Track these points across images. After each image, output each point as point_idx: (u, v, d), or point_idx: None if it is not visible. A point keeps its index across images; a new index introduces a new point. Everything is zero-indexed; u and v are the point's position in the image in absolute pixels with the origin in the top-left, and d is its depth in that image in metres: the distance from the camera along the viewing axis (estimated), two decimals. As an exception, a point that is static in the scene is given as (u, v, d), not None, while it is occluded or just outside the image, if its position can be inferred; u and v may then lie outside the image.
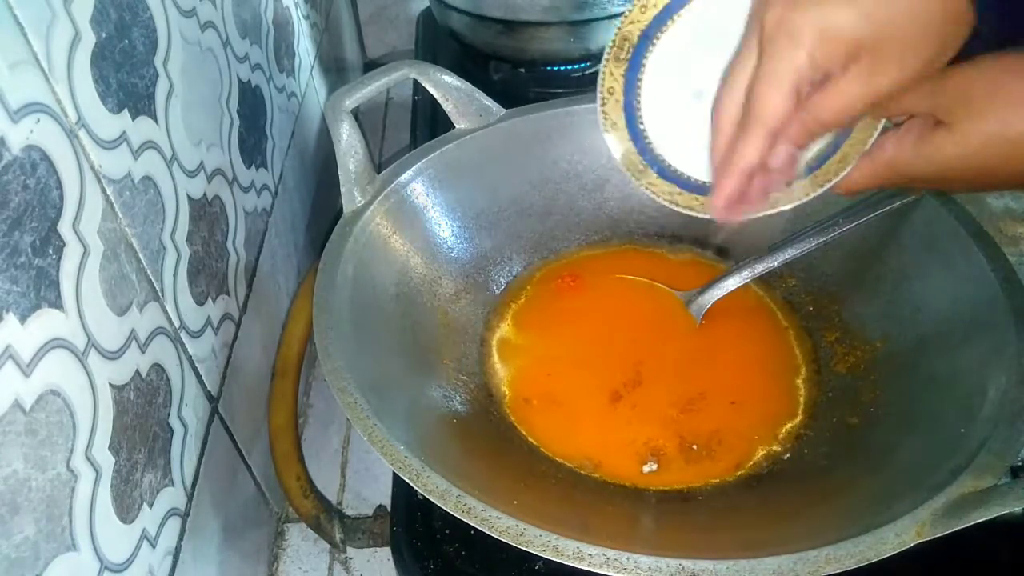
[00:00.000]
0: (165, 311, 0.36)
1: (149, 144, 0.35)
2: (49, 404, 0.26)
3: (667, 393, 0.42)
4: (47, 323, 0.27)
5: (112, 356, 0.31)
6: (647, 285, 0.48)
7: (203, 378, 0.40)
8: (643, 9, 0.34)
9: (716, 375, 0.43)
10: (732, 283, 0.45)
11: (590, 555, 0.27)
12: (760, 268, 0.44)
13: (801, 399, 0.42)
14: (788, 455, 0.40)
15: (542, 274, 0.51)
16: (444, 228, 0.48)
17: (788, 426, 0.41)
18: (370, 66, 0.98)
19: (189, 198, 0.40)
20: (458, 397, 0.42)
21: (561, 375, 0.44)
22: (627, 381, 0.43)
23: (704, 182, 0.36)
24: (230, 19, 0.48)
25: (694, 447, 0.40)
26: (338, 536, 0.47)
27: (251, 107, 0.51)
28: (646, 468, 0.39)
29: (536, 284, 0.50)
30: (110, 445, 0.30)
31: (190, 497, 0.38)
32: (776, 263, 0.43)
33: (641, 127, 0.36)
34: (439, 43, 0.75)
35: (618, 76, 0.35)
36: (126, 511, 0.32)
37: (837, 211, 0.42)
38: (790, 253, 0.43)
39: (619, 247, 0.52)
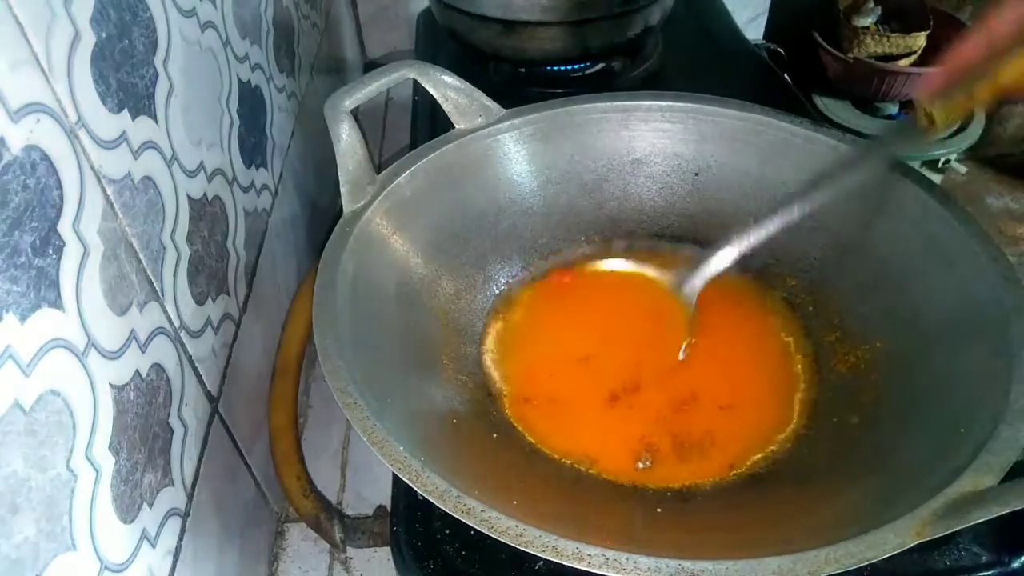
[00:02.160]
0: (165, 311, 0.36)
1: (149, 144, 0.35)
2: (49, 404, 0.26)
3: (664, 393, 0.42)
4: (47, 323, 0.27)
5: (112, 356, 0.31)
6: (642, 278, 0.48)
7: (203, 378, 0.40)
8: None
9: (714, 375, 0.43)
10: (722, 257, 0.43)
11: (590, 555, 0.27)
12: (747, 242, 0.42)
13: (799, 400, 0.42)
14: (788, 455, 0.40)
15: (542, 274, 0.51)
16: (444, 228, 0.48)
17: (786, 427, 0.41)
18: (370, 66, 0.98)
19: (189, 198, 0.40)
20: (458, 397, 0.42)
21: (561, 374, 0.44)
22: (626, 380, 0.43)
23: None
24: (230, 19, 0.48)
25: (685, 446, 0.40)
26: (338, 536, 0.47)
27: (251, 107, 0.51)
28: (640, 465, 0.39)
29: (536, 284, 0.50)
30: (110, 445, 0.30)
31: (190, 497, 0.38)
32: (764, 234, 0.41)
33: None
34: (439, 43, 0.75)
35: None
36: (126, 511, 0.32)
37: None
38: (777, 223, 0.41)
39: (620, 248, 0.52)
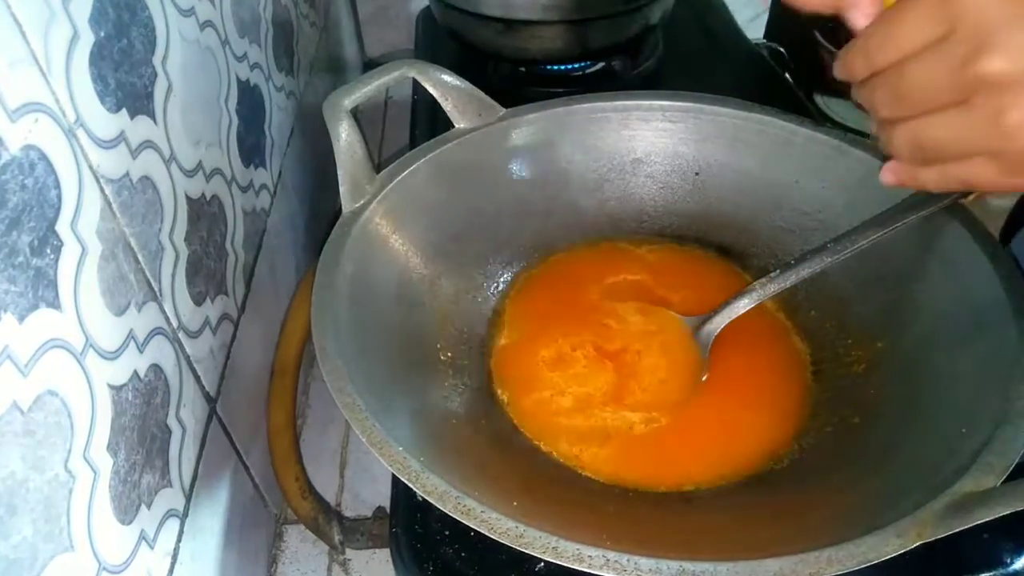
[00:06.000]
0: (163, 311, 0.36)
1: (147, 144, 0.35)
2: (47, 405, 0.26)
3: (667, 392, 0.42)
4: (45, 323, 0.26)
5: (110, 356, 0.31)
6: (657, 311, 0.46)
7: (201, 378, 0.40)
8: None
9: (717, 376, 0.43)
10: (742, 305, 0.43)
11: (590, 557, 0.27)
12: (772, 288, 0.42)
13: (801, 400, 0.42)
14: (789, 455, 0.39)
15: (543, 274, 0.50)
16: (444, 228, 0.48)
17: (790, 427, 0.41)
18: (369, 65, 0.98)
19: (187, 198, 0.40)
20: (457, 398, 0.42)
21: (562, 375, 0.44)
22: (627, 380, 0.43)
23: None
24: (229, 18, 0.48)
25: (685, 444, 0.40)
26: (337, 537, 0.47)
27: (250, 106, 0.51)
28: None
29: (536, 285, 0.50)
30: (108, 446, 0.30)
31: (188, 498, 0.38)
32: (788, 283, 0.41)
33: None
34: (439, 42, 0.75)
35: None
36: (124, 512, 0.32)
37: (850, 227, 0.41)
38: (803, 272, 0.41)
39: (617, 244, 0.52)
